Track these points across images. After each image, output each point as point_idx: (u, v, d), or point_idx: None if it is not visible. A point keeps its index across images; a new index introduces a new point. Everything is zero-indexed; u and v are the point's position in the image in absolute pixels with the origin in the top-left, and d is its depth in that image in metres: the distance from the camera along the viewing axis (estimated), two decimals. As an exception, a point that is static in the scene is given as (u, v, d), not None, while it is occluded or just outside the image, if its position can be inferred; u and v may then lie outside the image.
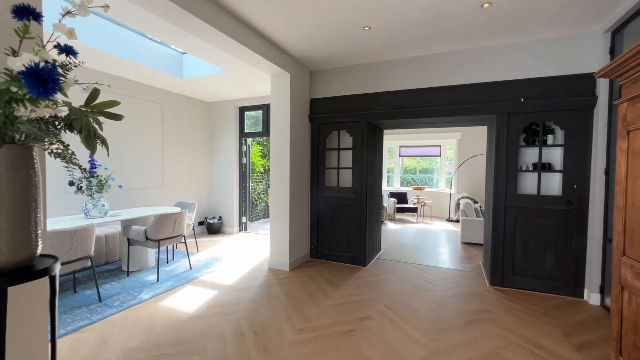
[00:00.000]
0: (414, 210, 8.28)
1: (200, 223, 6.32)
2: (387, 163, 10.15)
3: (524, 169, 3.54)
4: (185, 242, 4.00)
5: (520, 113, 3.42)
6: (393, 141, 9.60)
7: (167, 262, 4.27)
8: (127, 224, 3.79)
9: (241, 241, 5.60)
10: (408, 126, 4.61)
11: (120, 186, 4.15)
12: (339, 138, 4.38)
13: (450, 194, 8.63)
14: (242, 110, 6.34)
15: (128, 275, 3.71)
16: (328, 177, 4.58)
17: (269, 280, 3.67)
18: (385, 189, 9.75)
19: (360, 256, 4.23)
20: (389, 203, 8.34)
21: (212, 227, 6.13)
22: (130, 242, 3.71)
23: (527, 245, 3.44)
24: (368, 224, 4.30)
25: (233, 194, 6.27)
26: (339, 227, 4.36)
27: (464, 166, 8.48)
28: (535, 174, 3.56)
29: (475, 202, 6.79)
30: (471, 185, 8.48)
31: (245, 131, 6.41)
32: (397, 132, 9.34)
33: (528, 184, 3.61)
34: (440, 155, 9.39)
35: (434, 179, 9.95)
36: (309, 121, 4.47)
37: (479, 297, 3.25)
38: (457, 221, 8.02)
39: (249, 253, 4.80)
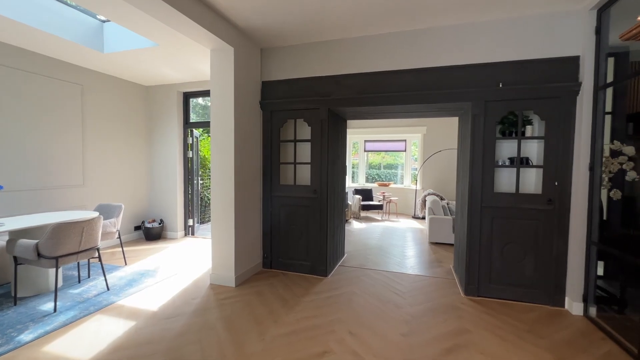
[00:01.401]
0: (379, 207, 7.91)
1: (137, 227, 5.40)
2: (352, 158, 9.71)
3: (500, 164, 3.15)
4: (99, 257, 3.15)
5: (498, 101, 3.02)
6: (358, 135, 9.17)
7: (80, 281, 3.39)
8: (13, 237, 2.88)
9: (185, 248, 4.79)
10: (373, 116, 4.09)
11: (0, 187, 3.18)
12: (296, 128, 3.75)
13: (416, 190, 8.38)
14: (187, 96, 5.48)
15: (16, 304, 2.82)
16: (284, 174, 3.95)
17: (207, 302, 2.97)
18: (350, 185, 9.32)
19: (320, 265, 3.66)
20: (353, 200, 7.89)
21: (150, 233, 5.24)
22: (17, 260, 2.81)
23: (504, 250, 3.07)
24: (330, 227, 3.74)
25: (177, 193, 5.41)
26: (296, 232, 3.76)
27: (429, 162, 8.25)
28: (514, 170, 3.20)
29: (441, 199, 6.52)
30: (437, 181, 8.28)
31: (191, 121, 5.56)
32: (362, 125, 8.90)
33: (505, 180, 3.24)
34: (405, 150, 9.11)
35: (398, 174, 9.68)
36: (260, 108, 3.79)
37: (455, 312, 2.82)
38: (423, 218, 7.78)
39: (192, 264, 4.04)
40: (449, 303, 3.01)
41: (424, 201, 6.97)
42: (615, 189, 2.45)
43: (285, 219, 3.79)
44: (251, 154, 3.63)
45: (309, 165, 3.68)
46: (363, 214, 8.48)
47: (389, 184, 9.22)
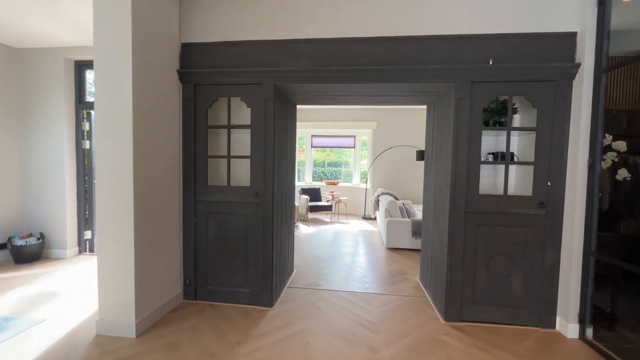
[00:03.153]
0: (328, 208, 7.23)
1: (2, 246, 3.85)
2: (297, 155, 8.87)
3: (482, 160, 2.62)
4: None
5: (486, 82, 2.47)
6: (305, 129, 8.37)
7: None
8: None
9: (75, 273, 3.46)
10: (330, 99, 3.32)
11: None
12: (230, 110, 2.79)
13: (366, 189, 7.90)
14: (81, 66, 4.07)
15: None
16: (213, 172, 2.96)
17: (82, 373, 1.88)
18: (296, 184, 8.48)
19: (264, 292, 2.76)
20: (300, 201, 7.09)
21: (22, 253, 3.75)
22: None
23: (490, 264, 2.55)
24: (277, 240, 2.86)
25: (66, 196, 3.99)
26: (231, 249, 2.80)
27: (379, 159, 7.82)
28: (500, 168, 2.71)
29: (396, 198, 6.06)
30: (388, 179, 7.90)
31: (88, 100, 4.16)
32: (309, 118, 8.13)
33: (490, 180, 2.73)
34: (354, 147, 8.59)
35: (342, 172, 9.14)
36: (179, 80, 2.74)
37: (442, 350, 2.18)
38: (374, 219, 7.31)
39: (77, 299, 2.81)
40: (430, 335, 2.37)
41: (377, 201, 6.47)
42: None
43: (215, 232, 2.81)
44: (164, 144, 2.57)
45: (249, 160, 2.76)
46: (311, 215, 7.73)
47: (337, 183, 8.61)
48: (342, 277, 3.59)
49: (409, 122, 7.73)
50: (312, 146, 8.73)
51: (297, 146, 8.76)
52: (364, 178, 8.34)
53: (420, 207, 6.82)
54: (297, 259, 4.11)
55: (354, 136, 8.48)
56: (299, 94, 3.06)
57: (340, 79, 2.58)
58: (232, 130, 2.84)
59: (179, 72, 2.70)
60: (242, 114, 2.88)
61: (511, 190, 2.70)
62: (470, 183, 2.51)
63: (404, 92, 2.84)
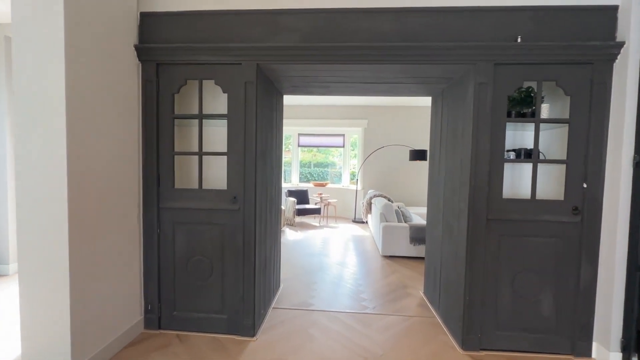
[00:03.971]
0: (316, 211, 6.76)
1: None
2: (283, 155, 8.36)
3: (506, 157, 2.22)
4: None
5: (512, 64, 2.06)
6: (291, 127, 7.87)
7: None
8: None
9: (15, 295, 2.85)
10: (323, 89, 2.85)
11: None
12: (202, 95, 2.27)
13: (357, 190, 7.48)
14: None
15: None
16: (182, 172, 2.44)
17: None
18: (282, 185, 7.96)
19: (244, 318, 2.26)
20: (287, 204, 6.59)
21: (-50, 270, 3.10)
22: None
23: (516, 281, 2.14)
24: (260, 254, 2.37)
25: (7, 201, 3.35)
26: (204, 267, 2.29)
27: (370, 159, 7.42)
28: (523, 168, 2.32)
29: (389, 200, 5.66)
30: (379, 180, 7.51)
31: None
32: (296, 115, 7.63)
33: (511, 182, 2.34)
34: (344, 146, 8.16)
35: (329, 173, 8.69)
36: (137, 57, 2.21)
37: (467, 394, 1.76)
38: (365, 222, 6.90)
39: (5, 334, 2.22)
40: (448, 371, 1.95)
41: (370, 204, 6.05)
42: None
43: (184, 246, 2.29)
44: (116, 137, 2.04)
45: (225, 158, 2.25)
46: (298, 219, 7.24)
47: (325, 184, 8.15)
48: (336, 293, 3.13)
49: (402, 120, 7.37)
50: (299, 145, 8.25)
51: (283, 145, 8.27)
52: (353, 179, 7.92)
53: (415, 209, 6.46)
54: (284, 271, 3.62)
55: (343, 135, 8.05)
56: (287, 79, 2.58)
57: (336, 59, 2.12)
58: (205, 120, 2.33)
59: (137, 48, 2.17)
60: (217, 100, 2.38)
61: (542, 194, 2.31)
62: (492, 185, 2.10)
63: (409, 77, 2.40)
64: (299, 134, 8.16)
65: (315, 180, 8.68)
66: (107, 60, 1.93)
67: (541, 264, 2.12)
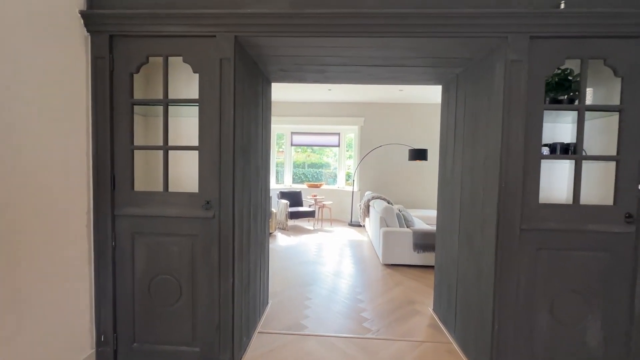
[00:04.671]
0: (311, 214, 6.34)
1: None
2: (275, 156, 7.92)
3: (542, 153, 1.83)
4: None
5: (551, 38, 1.67)
6: (283, 125, 7.44)
7: None
8: None
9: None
10: (320, 73, 2.44)
11: None
12: (168, 75, 1.83)
13: (353, 192, 7.07)
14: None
15: None
16: (143, 171, 2.00)
17: None
18: (274, 187, 7.54)
19: (221, 352, 1.83)
20: (279, 206, 6.16)
21: None
22: None
23: (555, 304, 1.75)
24: (241, 270, 1.94)
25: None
26: (170, 288, 1.85)
27: (367, 159, 7.02)
28: (560, 167, 1.94)
29: (389, 203, 5.25)
30: (376, 181, 7.12)
31: None
32: (288, 113, 7.20)
33: (551, 183, 1.95)
34: (339, 146, 7.75)
35: (324, 174, 8.28)
36: (84, 27, 1.76)
37: None
38: (362, 226, 6.50)
39: None
40: (476, 422, 1.53)
41: (368, 206, 5.65)
42: None
43: (145, 263, 1.85)
44: (56, 129, 1.59)
45: (196, 153, 1.82)
46: (291, 222, 6.81)
47: (320, 185, 7.73)
48: (332, 311, 2.71)
49: (400, 118, 7.00)
50: (292, 144, 7.81)
51: (276, 145, 7.84)
52: (349, 180, 7.52)
53: (416, 212, 6.08)
54: (274, 284, 3.19)
55: (339, 134, 7.65)
56: (274, 61, 2.15)
57: (335, 29, 1.71)
58: (175, 109, 1.90)
59: (83, 15, 1.73)
60: (190, 86, 1.95)
61: (586, 199, 1.92)
62: (527, 188, 1.71)
63: (421, 57, 2.00)
64: (292, 133, 7.73)
65: (309, 181, 8.25)
66: (42, 30, 1.48)
67: (586, 284, 1.73)
